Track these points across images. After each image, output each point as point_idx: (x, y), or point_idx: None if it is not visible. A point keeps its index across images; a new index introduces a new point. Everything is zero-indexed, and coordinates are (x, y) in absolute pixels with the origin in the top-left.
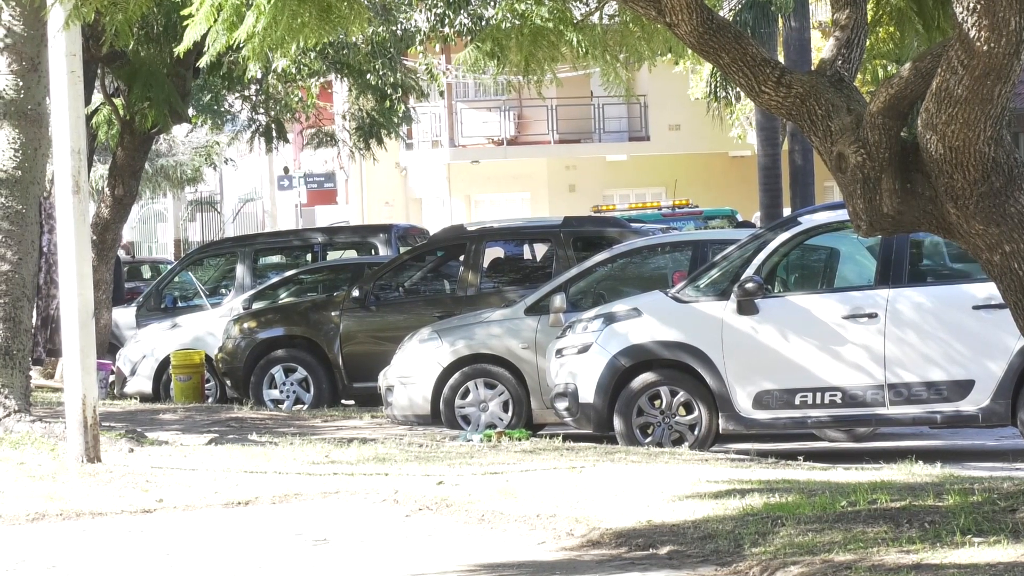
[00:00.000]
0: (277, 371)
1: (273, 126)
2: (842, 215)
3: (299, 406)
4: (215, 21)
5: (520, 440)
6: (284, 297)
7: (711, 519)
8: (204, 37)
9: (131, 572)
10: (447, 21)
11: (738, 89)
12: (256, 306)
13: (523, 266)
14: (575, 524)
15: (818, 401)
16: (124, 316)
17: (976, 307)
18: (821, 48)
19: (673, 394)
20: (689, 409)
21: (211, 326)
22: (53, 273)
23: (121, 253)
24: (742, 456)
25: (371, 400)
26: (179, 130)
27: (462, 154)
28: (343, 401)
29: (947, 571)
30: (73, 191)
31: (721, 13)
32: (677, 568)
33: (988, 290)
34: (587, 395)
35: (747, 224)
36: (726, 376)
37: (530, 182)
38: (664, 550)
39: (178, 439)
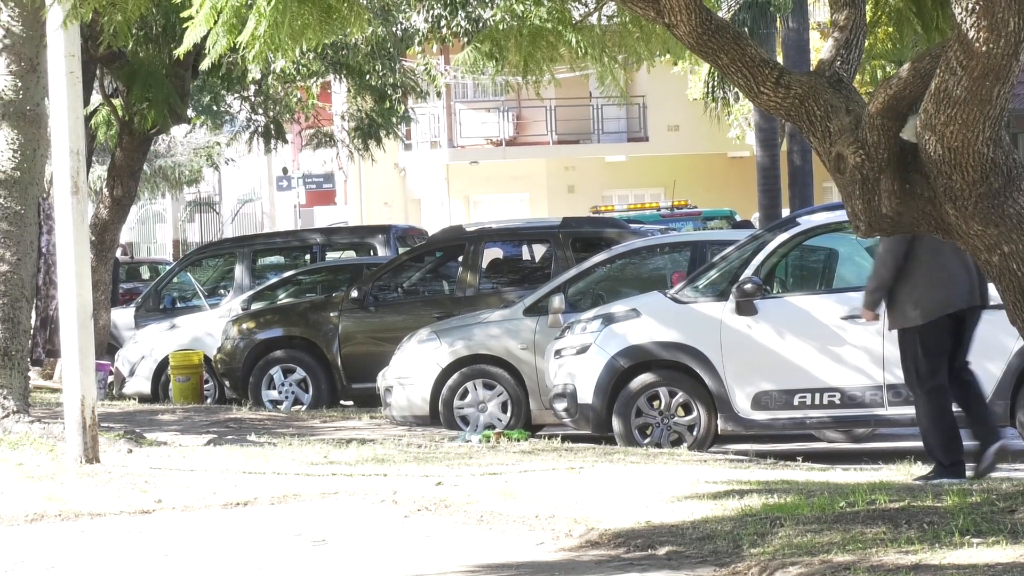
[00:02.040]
0: (276, 372)
1: (272, 127)
2: (841, 216)
3: (298, 407)
4: (215, 23)
5: (519, 441)
6: (283, 298)
7: (710, 520)
8: (204, 39)
9: (130, 573)
10: (445, 22)
11: (736, 89)
12: (255, 307)
13: (522, 267)
14: (574, 525)
15: (817, 402)
16: (123, 317)
17: None
18: (820, 49)
19: (672, 395)
20: (688, 410)
21: (210, 327)
22: (52, 274)
23: (117, 253)
24: (741, 457)
25: (370, 401)
26: (178, 131)
27: (461, 155)
28: (342, 402)
29: (946, 572)
30: (72, 192)
31: (719, 13)
32: (676, 569)
33: None
34: (586, 396)
35: (746, 225)
36: (725, 377)
37: (529, 183)
38: (663, 551)
39: (177, 440)
